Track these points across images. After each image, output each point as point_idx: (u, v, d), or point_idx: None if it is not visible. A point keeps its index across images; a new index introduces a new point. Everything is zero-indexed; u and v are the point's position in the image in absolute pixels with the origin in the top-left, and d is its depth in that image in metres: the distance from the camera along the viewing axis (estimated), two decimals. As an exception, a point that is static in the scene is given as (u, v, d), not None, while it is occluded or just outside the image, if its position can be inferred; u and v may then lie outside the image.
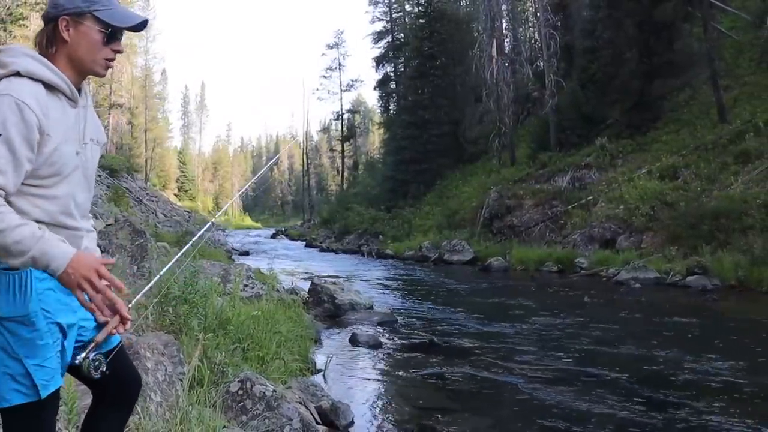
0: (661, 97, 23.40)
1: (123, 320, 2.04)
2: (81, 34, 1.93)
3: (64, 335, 1.95)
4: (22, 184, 1.79)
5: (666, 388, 6.40)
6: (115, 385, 2.14)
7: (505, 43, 36.65)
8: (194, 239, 3.07)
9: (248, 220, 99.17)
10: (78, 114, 1.98)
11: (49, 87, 1.86)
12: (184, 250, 2.80)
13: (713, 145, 18.97)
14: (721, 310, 11.44)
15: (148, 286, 2.60)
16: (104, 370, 1.99)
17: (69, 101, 1.93)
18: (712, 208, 15.51)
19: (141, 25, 2.04)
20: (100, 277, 1.80)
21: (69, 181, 1.91)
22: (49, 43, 1.93)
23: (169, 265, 2.55)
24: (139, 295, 2.44)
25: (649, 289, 14.06)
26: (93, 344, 1.99)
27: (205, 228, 3.42)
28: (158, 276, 2.60)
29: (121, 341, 2.16)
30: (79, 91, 2.00)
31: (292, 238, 47.70)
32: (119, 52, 2.03)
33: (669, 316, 10.60)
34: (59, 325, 1.92)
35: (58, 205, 1.90)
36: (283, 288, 11.51)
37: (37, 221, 1.83)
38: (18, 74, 1.81)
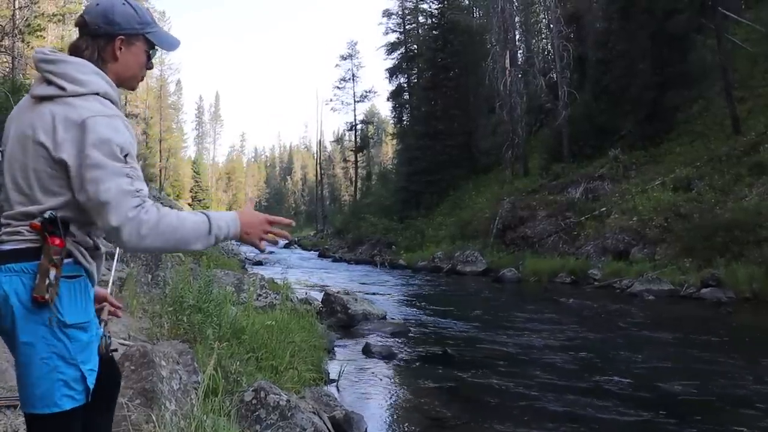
0: (674, 108, 23.28)
1: (113, 305, 2.26)
2: (132, 54, 2.01)
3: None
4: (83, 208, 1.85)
5: (680, 402, 6.38)
6: (99, 383, 2.18)
7: (518, 55, 36.62)
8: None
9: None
10: None
11: None
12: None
13: (727, 156, 18.87)
14: (735, 323, 11.38)
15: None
16: (114, 348, 2.12)
17: None
18: (727, 220, 15.43)
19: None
20: (271, 223, 2.00)
21: None
22: (100, 58, 1.97)
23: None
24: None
25: (663, 301, 14.00)
26: (104, 325, 2.10)
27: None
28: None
29: None
30: None
31: (305, 248, 47.67)
32: (150, 68, 2.14)
33: (683, 329, 10.55)
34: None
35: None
36: (297, 298, 11.53)
37: (82, 245, 1.90)
38: (98, 95, 1.87)
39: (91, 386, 1.87)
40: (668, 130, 23.46)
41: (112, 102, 1.91)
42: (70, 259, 1.84)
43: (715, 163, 19.02)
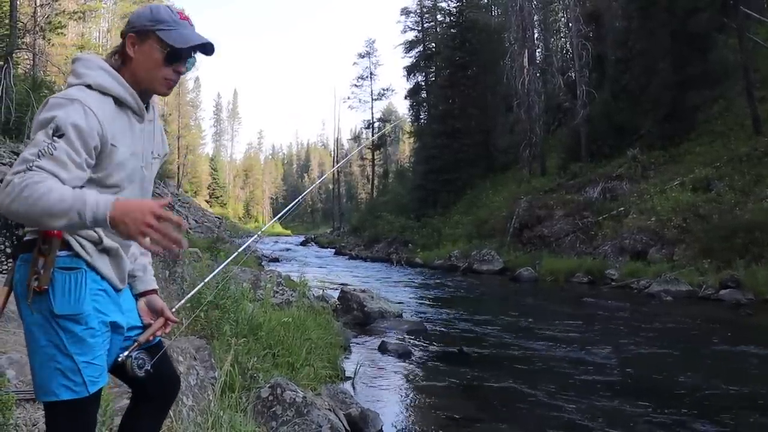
0: (694, 108, 23.03)
1: (167, 322, 2.21)
2: (143, 52, 2.01)
3: (115, 333, 2.04)
4: None
5: (696, 407, 6.33)
6: (156, 384, 2.20)
7: (537, 53, 36.47)
8: (242, 248, 3.16)
9: (278, 227, 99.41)
10: (144, 129, 2.06)
11: (118, 102, 1.95)
12: (232, 257, 2.89)
13: (747, 157, 18.70)
14: (755, 325, 11.28)
15: (193, 291, 2.69)
16: (148, 368, 2.08)
17: (135, 116, 2.02)
18: (746, 221, 15.29)
19: (206, 48, 2.08)
20: (158, 217, 1.72)
21: (127, 193, 1.97)
22: (122, 59, 2.03)
23: (216, 271, 2.62)
24: (183, 301, 2.53)
25: (681, 302, 13.87)
26: (135, 344, 2.09)
27: (253, 239, 3.57)
28: (203, 283, 2.69)
29: (161, 340, 2.25)
30: (147, 106, 2.08)
31: (321, 246, 47.77)
32: (181, 72, 2.07)
33: (701, 331, 10.47)
34: (112, 324, 2.00)
35: None
36: (313, 295, 11.54)
37: (85, 238, 1.92)
38: (90, 87, 1.89)
39: (90, 379, 1.88)
40: (688, 129, 23.23)
41: (114, 96, 1.93)
42: (68, 251, 1.89)
43: (735, 164, 18.84)
